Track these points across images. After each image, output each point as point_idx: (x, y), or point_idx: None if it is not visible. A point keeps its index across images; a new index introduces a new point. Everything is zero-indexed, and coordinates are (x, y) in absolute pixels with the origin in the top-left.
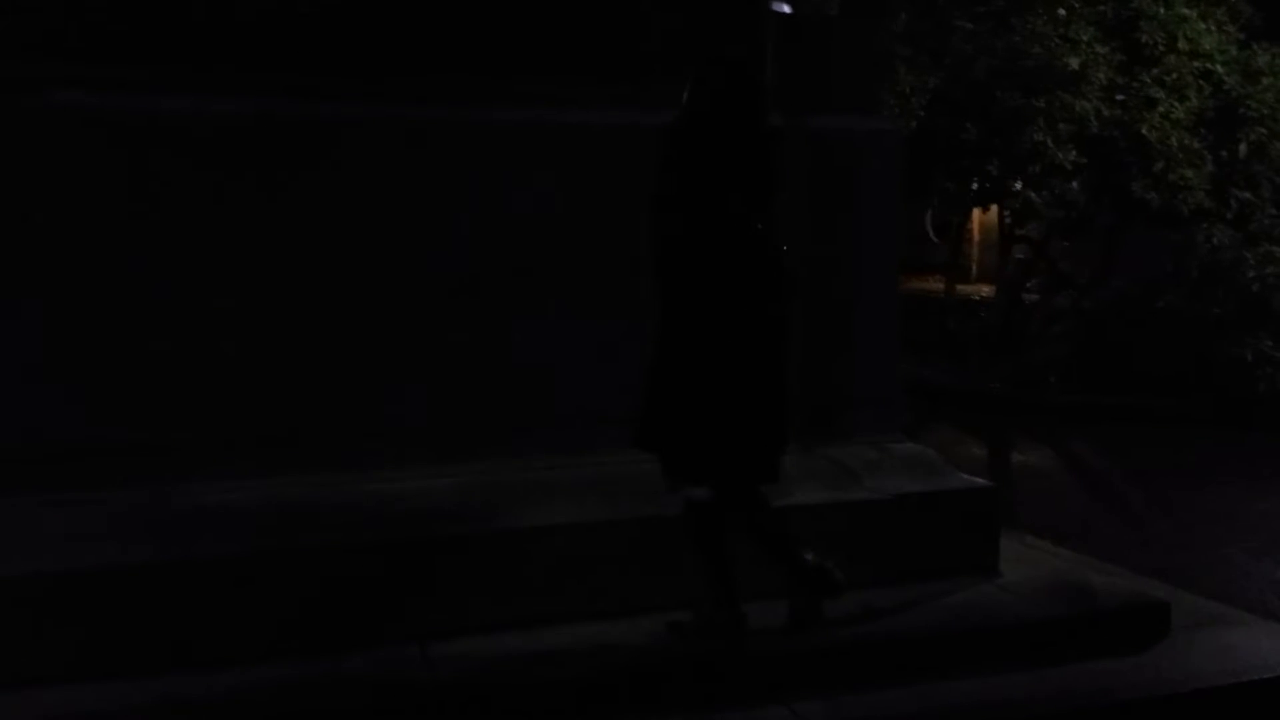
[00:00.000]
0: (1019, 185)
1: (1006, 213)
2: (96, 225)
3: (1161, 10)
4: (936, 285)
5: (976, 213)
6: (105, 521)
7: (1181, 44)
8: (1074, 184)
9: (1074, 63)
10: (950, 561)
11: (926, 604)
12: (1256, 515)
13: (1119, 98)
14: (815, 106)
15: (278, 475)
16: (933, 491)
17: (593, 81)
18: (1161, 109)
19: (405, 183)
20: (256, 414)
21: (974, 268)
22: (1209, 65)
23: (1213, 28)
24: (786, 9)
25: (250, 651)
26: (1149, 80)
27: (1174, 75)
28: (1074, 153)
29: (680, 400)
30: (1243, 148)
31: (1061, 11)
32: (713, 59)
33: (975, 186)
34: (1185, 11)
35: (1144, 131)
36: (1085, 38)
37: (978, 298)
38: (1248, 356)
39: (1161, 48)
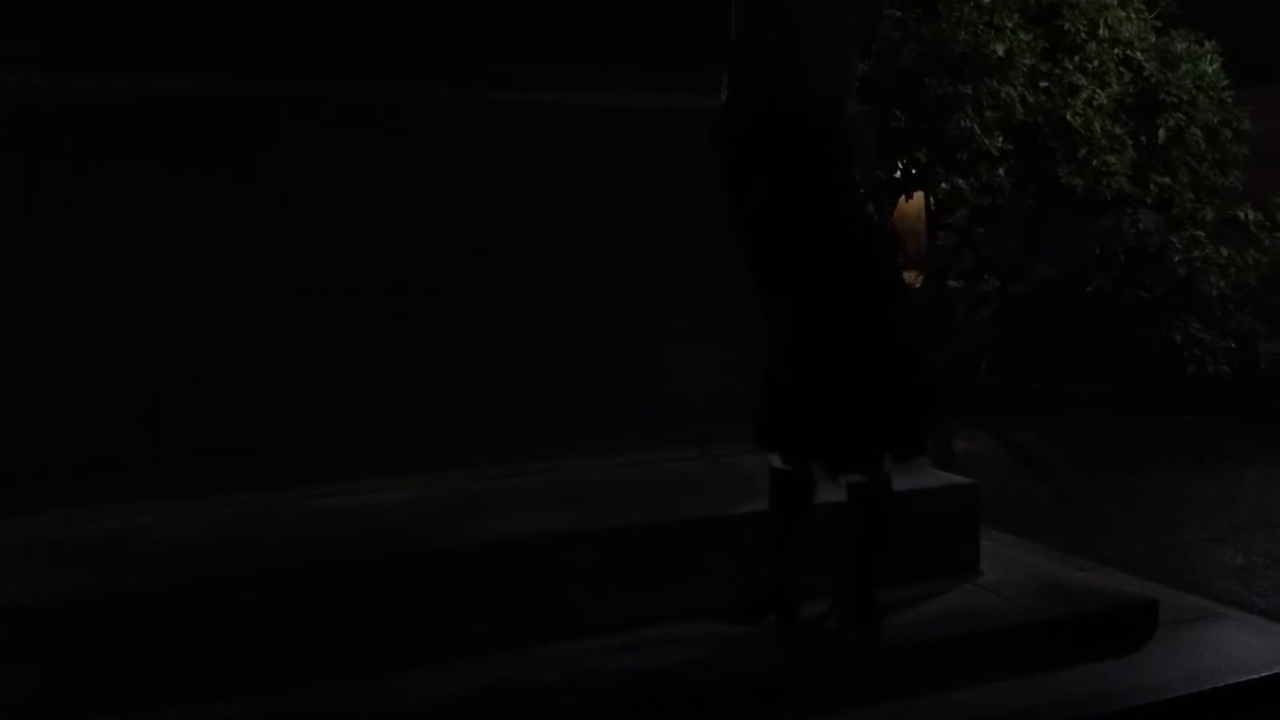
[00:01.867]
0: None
1: (932, 200)
2: None
3: None
4: None
5: (900, 200)
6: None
7: (1102, 31)
8: (1001, 171)
9: (1000, 49)
10: (931, 563)
11: (913, 610)
12: (1205, 500)
13: (1043, 84)
14: None
15: (215, 493)
16: (911, 490)
17: (549, 61)
18: (1084, 95)
19: (350, 171)
20: (186, 426)
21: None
22: (1129, 52)
23: (1132, 15)
24: None
25: (186, 691)
26: (1072, 67)
27: (1096, 62)
28: (1001, 139)
29: (839, 397)
30: (1162, 133)
31: None
32: (752, 44)
33: (899, 174)
34: None
35: (1068, 118)
36: (1010, 24)
37: None
38: (1176, 339)
39: (1083, 35)
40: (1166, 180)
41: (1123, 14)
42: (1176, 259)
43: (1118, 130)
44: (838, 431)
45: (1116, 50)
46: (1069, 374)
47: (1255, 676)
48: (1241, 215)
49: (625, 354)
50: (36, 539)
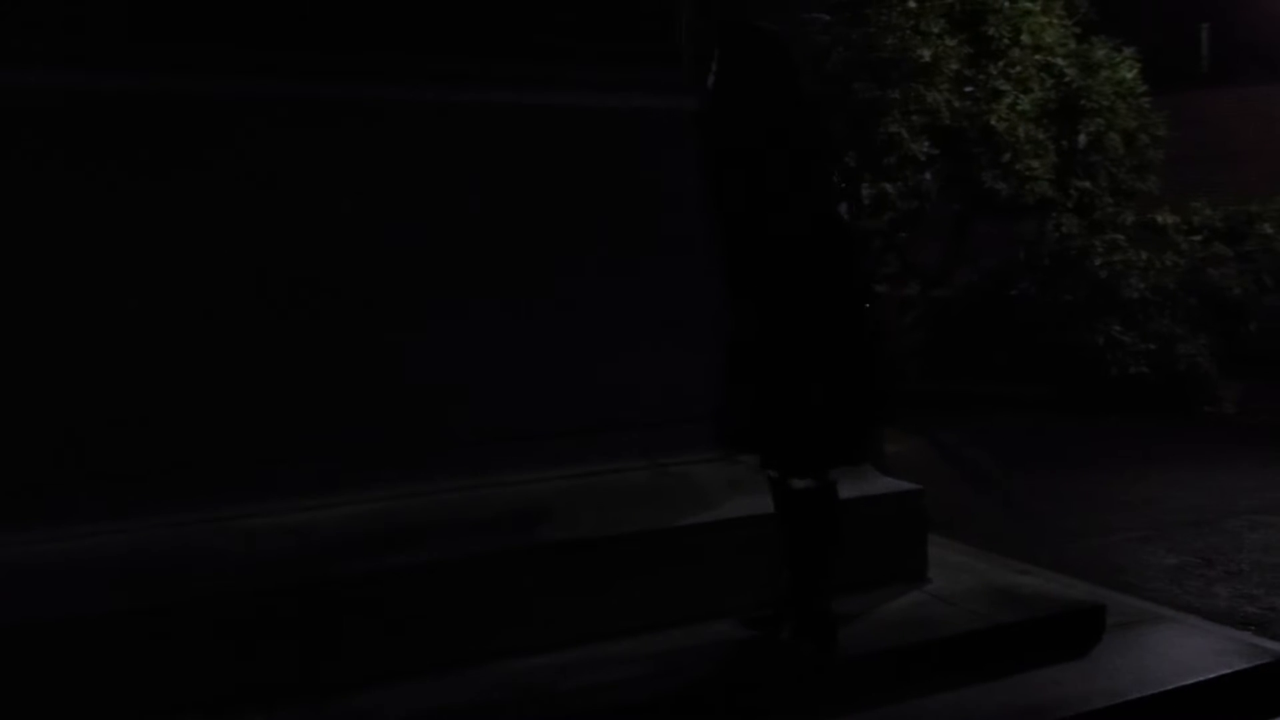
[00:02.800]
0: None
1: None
2: None
3: (1006, 4)
4: None
5: None
6: None
7: (1025, 37)
8: (927, 175)
9: (926, 54)
10: (880, 571)
11: (865, 619)
12: (1134, 500)
13: (968, 90)
14: None
15: (147, 515)
16: (858, 497)
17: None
18: (1008, 101)
19: (298, 170)
20: (115, 444)
21: None
22: (1050, 58)
23: (1054, 21)
24: None
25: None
26: (995, 73)
27: (1019, 68)
28: (927, 144)
29: (795, 394)
30: (1082, 138)
31: (913, 4)
32: (746, 29)
33: None
34: (1028, 5)
35: (992, 123)
36: (936, 30)
37: None
38: (1099, 341)
39: (1007, 41)
40: (1086, 185)
41: (1045, 20)
42: (1098, 262)
43: (1040, 135)
44: (793, 433)
45: (1038, 56)
46: (995, 377)
47: (1205, 678)
48: (1159, 219)
49: (571, 364)
50: None
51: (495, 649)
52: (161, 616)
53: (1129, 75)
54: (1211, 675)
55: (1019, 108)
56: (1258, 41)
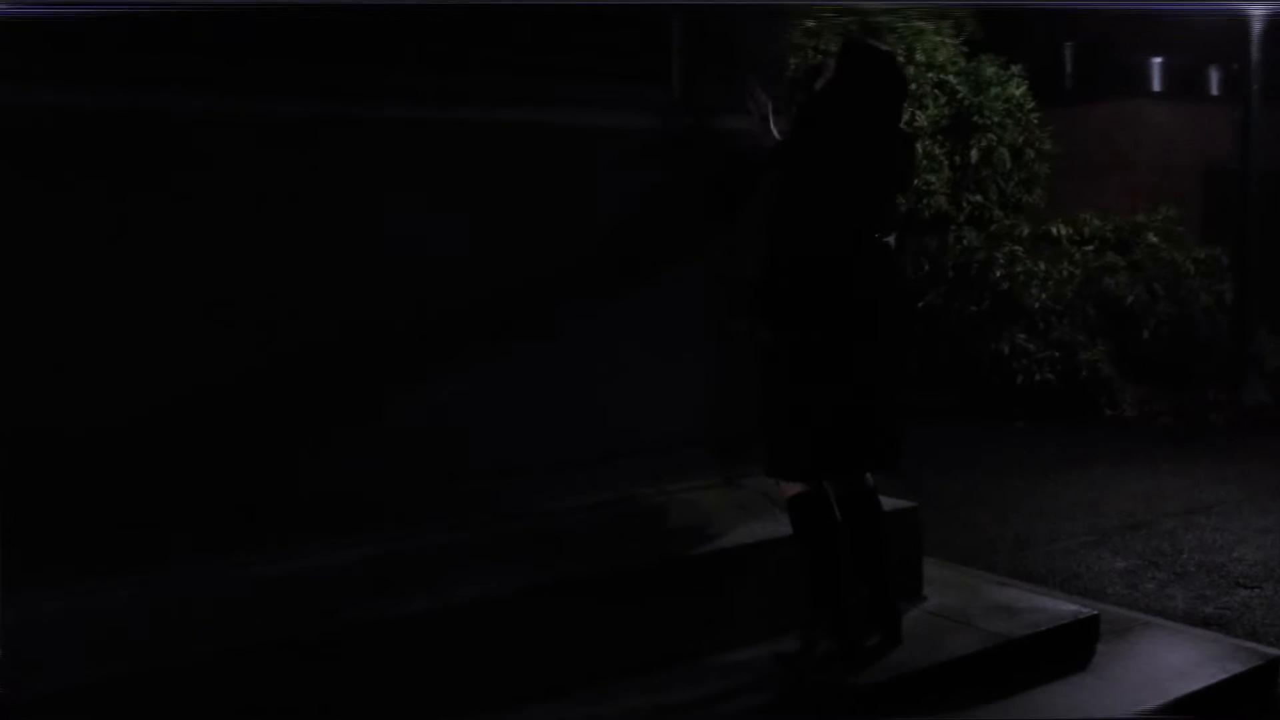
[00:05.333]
0: None
1: None
2: None
3: (900, 23)
4: None
5: None
6: None
7: (919, 56)
8: None
9: None
10: None
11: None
12: (1067, 504)
13: None
14: (726, 107)
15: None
16: None
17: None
18: (905, 118)
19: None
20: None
21: None
22: (943, 76)
23: (946, 40)
24: None
25: None
26: None
27: (914, 86)
28: None
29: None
30: (974, 154)
31: (810, 22)
32: (862, 47)
33: None
34: (921, 24)
35: None
36: (835, 48)
37: None
38: (1005, 350)
39: (901, 59)
40: (978, 198)
41: (937, 39)
42: (999, 274)
43: (936, 151)
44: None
45: (931, 74)
46: (906, 386)
47: (1208, 683)
48: (1054, 230)
49: (573, 392)
50: None
51: (519, 694)
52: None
53: (1018, 92)
54: (1213, 680)
55: (915, 124)
56: (1124, 58)
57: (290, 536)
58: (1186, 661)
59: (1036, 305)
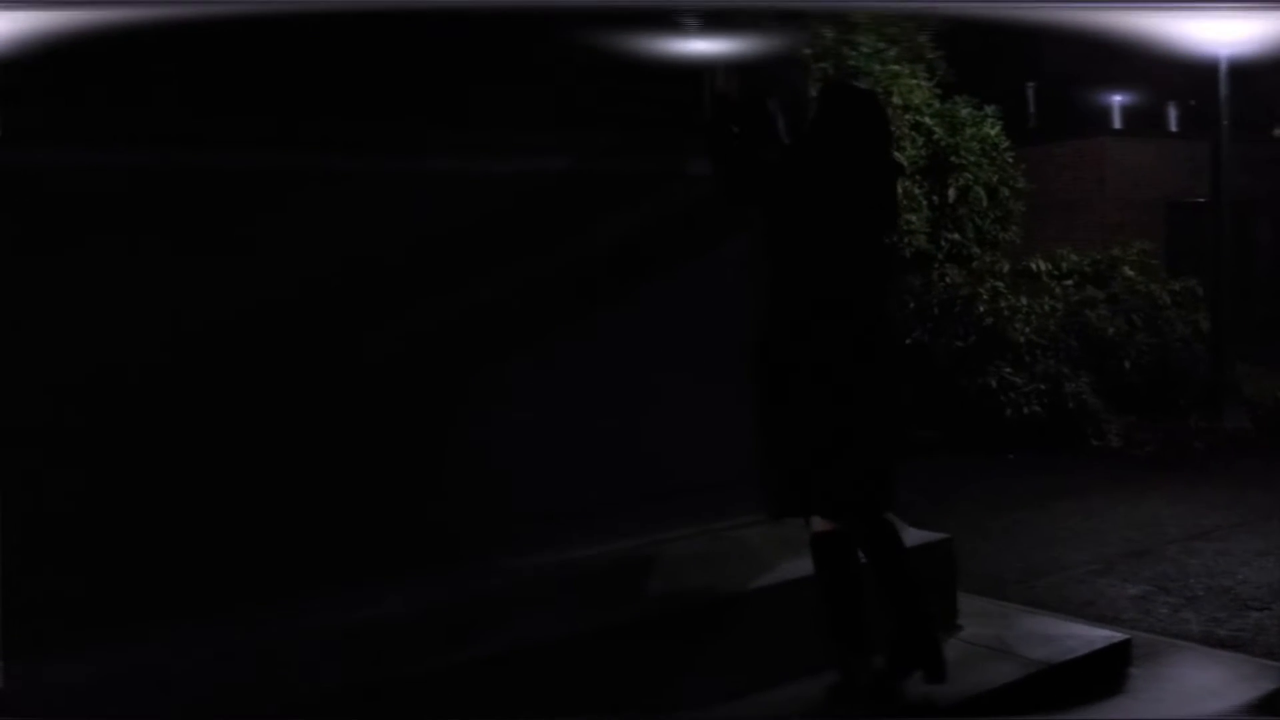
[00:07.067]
0: None
1: None
2: None
3: (877, 67)
4: None
5: None
6: None
7: (896, 98)
8: None
9: None
10: None
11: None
12: (1068, 534)
13: None
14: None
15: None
16: None
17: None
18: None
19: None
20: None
21: None
22: (919, 118)
23: (922, 83)
24: None
25: None
26: None
27: (893, 127)
28: None
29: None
30: (951, 193)
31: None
32: (858, 91)
33: None
34: (897, 68)
35: None
36: (813, 92)
37: None
38: (992, 384)
39: (882, 98)
40: (956, 236)
41: (913, 82)
42: (983, 309)
43: (915, 190)
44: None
45: (908, 116)
46: (898, 422)
47: (1243, 701)
48: (1034, 266)
49: (614, 432)
50: None
51: None
52: None
53: (993, 132)
54: (1247, 699)
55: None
56: (1086, 98)
57: (325, 585)
58: (1218, 681)
59: (1021, 339)
